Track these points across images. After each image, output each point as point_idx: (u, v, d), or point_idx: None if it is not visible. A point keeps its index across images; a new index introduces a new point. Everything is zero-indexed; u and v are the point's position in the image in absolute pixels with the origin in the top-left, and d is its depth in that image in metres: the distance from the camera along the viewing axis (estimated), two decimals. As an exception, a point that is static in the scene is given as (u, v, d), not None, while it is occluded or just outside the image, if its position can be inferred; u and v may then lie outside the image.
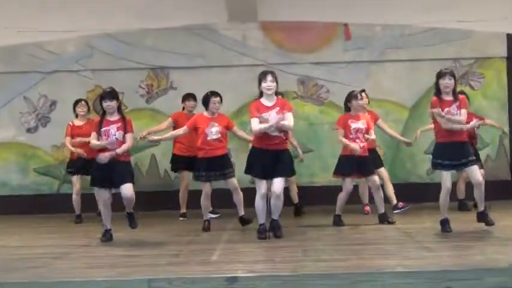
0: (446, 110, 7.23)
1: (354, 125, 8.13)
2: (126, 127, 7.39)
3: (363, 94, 8.72)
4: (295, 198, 9.47)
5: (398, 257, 6.08)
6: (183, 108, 9.57)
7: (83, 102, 9.64)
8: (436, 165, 7.35)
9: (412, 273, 5.32)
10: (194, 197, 9.80)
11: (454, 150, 7.23)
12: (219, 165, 8.06)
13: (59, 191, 10.71)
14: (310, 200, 9.78)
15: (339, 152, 10.49)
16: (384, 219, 8.20)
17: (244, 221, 8.21)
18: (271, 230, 7.34)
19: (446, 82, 7.25)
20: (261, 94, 7.32)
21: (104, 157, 7.29)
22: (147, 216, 9.14)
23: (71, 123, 9.54)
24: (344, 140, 8.10)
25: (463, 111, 7.30)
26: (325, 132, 10.52)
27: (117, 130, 7.36)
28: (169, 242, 7.42)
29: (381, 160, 9.20)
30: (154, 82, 10.80)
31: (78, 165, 9.38)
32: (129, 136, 7.42)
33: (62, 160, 10.54)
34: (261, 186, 7.29)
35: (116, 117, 7.43)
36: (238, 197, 8.18)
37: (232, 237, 7.66)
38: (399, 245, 6.72)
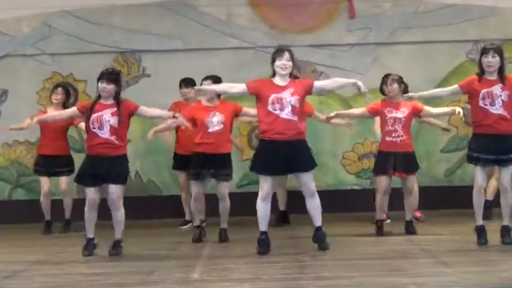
0: (484, 91, 7.20)
1: (391, 114, 8.18)
2: (122, 111, 7.28)
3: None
4: (283, 204, 9.47)
5: (411, 274, 6.09)
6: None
7: (59, 89, 9.55)
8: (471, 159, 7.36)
9: (427, 293, 5.35)
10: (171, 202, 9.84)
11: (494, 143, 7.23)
12: (216, 164, 8.05)
13: (11, 197, 10.65)
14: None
15: (341, 150, 10.56)
16: (408, 228, 8.26)
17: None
18: (315, 241, 7.32)
19: (489, 60, 7.23)
20: (274, 74, 7.30)
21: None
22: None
23: (43, 109, 9.49)
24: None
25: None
26: (326, 127, 10.52)
27: (112, 115, 7.31)
28: (142, 256, 7.40)
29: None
30: (124, 68, 10.76)
31: (48, 163, 9.35)
32: (144, 108, 7.43)
33: (14, 160, 10.51)
34: (265, 185, 7.22)
35: (111, 101, 7.38)
36: (225, 207, 8.19)
37: (216, 251, 7.66)
38: (412, 260, 6.73)
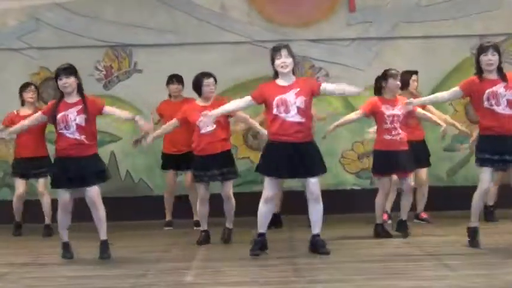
0: (488, 91, 7.18)
1: (389, 111, 8.15)
2: (88, 108, 7.26)
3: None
4: (277, 206, 9.44)
5: (413, 277, 6.09)
6: (169, 96, 9.60)
7: (32, 87, 9.56)
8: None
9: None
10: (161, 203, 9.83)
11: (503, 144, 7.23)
12: (218, 164, 8.06)
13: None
14: (301, 208, 9.76)
15: (338, 149, 10.53)
16: (401, 228, 8.25)
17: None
18: (314, 249, 7.28)
19: (489, 58, 7.23)
20: (276, 74, 7.27)
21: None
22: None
23: (15, 112, 9.47)
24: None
25: None
26: (324, 125, 10.50)
27: (78, 114, 7.27)
28: (133, 259, 7.40)
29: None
30: (114, 63, 10.76)
31: (24, 166, 9.36)
32: (110, 108, 7.47)
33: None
34: (269, 187, 7.20)
35: (75, 98, 7.35)
36: (231, 207, 8.22)
37: (210, 254, 7.66)
38: (415, 263, 6.74)
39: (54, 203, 9.12)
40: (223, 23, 10.69)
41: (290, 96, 7.13)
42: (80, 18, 10.62)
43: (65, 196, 7.33)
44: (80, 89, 7.37)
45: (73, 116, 7.26)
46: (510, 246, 7.32)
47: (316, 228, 7.30)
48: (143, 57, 10.69)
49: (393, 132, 8.13)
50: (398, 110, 8.13)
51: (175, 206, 9.72)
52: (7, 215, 9.59)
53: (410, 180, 8.29)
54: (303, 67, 10.74)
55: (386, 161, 8.16)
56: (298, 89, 7.16)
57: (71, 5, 10.53)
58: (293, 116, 7.12)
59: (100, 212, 7.39)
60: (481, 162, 7.31)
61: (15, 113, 9.47)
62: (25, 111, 9.40)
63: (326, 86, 7.33)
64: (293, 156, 7.13)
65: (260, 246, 7.26)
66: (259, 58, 10.26)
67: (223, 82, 10.06)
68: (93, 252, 7.62)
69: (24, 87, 9.57)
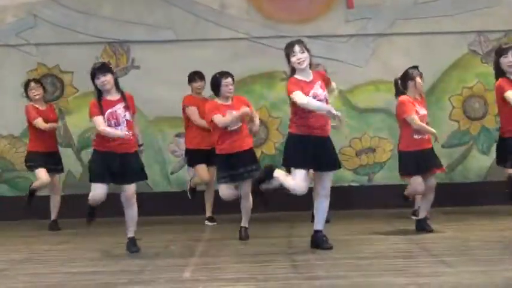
0: None
1: (421, 111, 8.10)
2: (129, 104, 7.32)
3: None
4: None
5: (410, 274, 6.10)
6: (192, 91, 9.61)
7: (31, 84, 9.47)
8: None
9: (427, 293, 5.37)
10: (164, 199, 9.85)
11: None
12: (243, 162, 8.00)
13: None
14: (302, 205, 9.79)
15: (336, 146, 10.52)
16: (422, 226, 8.22)
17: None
18: (316, 245, 7.29)
19: (510, 60, 7.26)
20: (293, 70, 7.23)
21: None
22: (104, 223, 9.10)
23: (32, 105, 9.42)
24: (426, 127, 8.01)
25: None
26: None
27: (125, 110, 7.30)
28: (132, 255, 7.41)
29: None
30: (112, 59, 10.75)
31: (42, 159, 9.31)
32: (136, 117, 7.47)
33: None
34: (300, 176, 7.08)
35: (117, 95, 7.36)
36: (249, 205, 8.15)
37: (208, 250, 7.67)
38: (412, 259, 6.76)
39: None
40: (221, 19, 10.68)
41: (318, 90, 7.15)
42: (78, 14, 10.62)
43: (102, 191, 7.30)
44: (117, 85, 7.39)
45: (122, 112, 7.29)
46: (507, 243, 7.33)
47: (320, 224, 7.31)
48: (141, 54, 10.68)
49: (422, 131, 8.07)
50: (424, 110, 8.11)
51: (177, 203, 9.71)
52: (5, 211, 9.60)
53: (435, 177, 8.25)
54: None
55: (418, 161, 8.05)
56: (319, 82, 7.19)
57: (69, 1, 10.52)
58: None
59: (134, 211, 7.45)
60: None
61: (32, 105, 9.37)
62: (40, 106, 9.38)
63: (333, 84, 7.38)
64: (315, 149, 7.10)
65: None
66: (257, 54, 10.29)
67: (222, 79, 10.09)
68: (92, 248, 7.65)
69: (27, 84, 9.52)
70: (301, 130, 7.16)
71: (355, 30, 10.74)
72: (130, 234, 7.53)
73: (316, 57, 10.61)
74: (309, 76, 7.20)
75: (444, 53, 10.56)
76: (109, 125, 7.25)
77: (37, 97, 9.42)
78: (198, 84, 9.51)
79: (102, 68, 7.37)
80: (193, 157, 9.48)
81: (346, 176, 10.66)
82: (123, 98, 7.35)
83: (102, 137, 7.31)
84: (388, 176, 10.27)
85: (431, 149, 8.14)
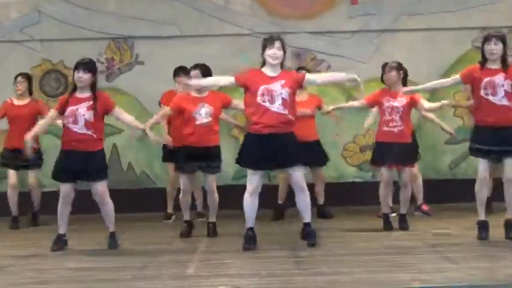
0: (486, 80, 7.17)
1: (388, 103, 8.19)
2: (98, 106, 7.28)
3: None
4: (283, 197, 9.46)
5: (414, 270, 6.08)
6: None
7: (19, 78, 9.53)
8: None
9: (431, 289, 5.36)
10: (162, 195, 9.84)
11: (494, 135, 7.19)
12: (205, 157, 8.02)
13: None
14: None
15: (340, 142, 10.54)
16: (400, 222, 8.26)
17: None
18: (305, 238, 7.31)
19: (492, 48, 7.21)
20: (264, 63, 7.26)
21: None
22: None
23: (9, 100, 9.48)
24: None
25: None
26: (325, 117, 10.51)
27: (87, 110, 7.29)
28: (135, 251, 7.41)
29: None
30: (116, 55, 10.76)
31: (13, 156, 9.31)
32: (120, 111, 7.45)
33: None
34: (253, 179, 7.19)
35: (86, 94, 7.37)
36: (214, 200, 8.21)
37: (212, 246, 7.67)
38: (415, 255, 6.74)
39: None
40: (225, 15, 10.68)
41: (276, 87, 7.11)
42: (82, 10, 10.62)
43: (66, 188, 7.35)
44: (93, 86, 7.38)
45: (82, 111, 7.28)
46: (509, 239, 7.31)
47: (306, 217, 7.30)
48: (145, 50, 10.69)
49: (391, 124, 8.15)
50: (398, 102, 8.13)
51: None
52: (6, 207, 9.59)
53: (407, 174, 8.26)
54: (305, 59, 10.75)
55: (381, 152, 8.20)
56: (283, 81, 7.14)
57: (73, -3, 10.55)
58: (278, 107, 7.08)
59: (108, 207, 7.47)
60: (474, 152, 7.33)
61: (9, 101, 9.47)
62: (18, 101, 9.42)
63: (309, 77, 7.39)
64: (275, 147, 7.07)
65: (252, 240, 7.22)
66: (260, 50, 10.25)
67: (225, 74, 10.03)
68: (95, 243, 7.65)
69: (15, 78, 9.55)
70: (256, 128, 7.15)
71: (358, 26, 10.73)
72: (111, 230, 7.54)
73: (319, 53, 10.73)
74: (276, 72, 7.18)
75: (448, 49, 10.54)
76: (67, 122, 7.29)
77: (19, 92, 9.44)
78: (181, 79, 9.47)
79: (85, 65, 7.38)
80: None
81: (350, 172, 10.65)
82: (93, 98, 7.32)
83: (65, 135, 7.36)
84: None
85: (405, 144, 8.14)
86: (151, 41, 10.66)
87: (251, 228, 7.27)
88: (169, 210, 9.64)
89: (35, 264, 6.90)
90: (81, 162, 7.26)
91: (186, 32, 10.63)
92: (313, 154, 8.91)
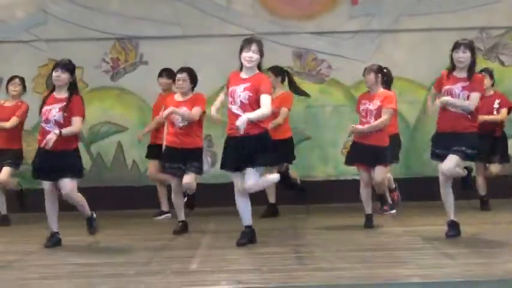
0: (445, 88, 7.16)
1: (364, 106, 8.21)
2: (70, 109, 7.26)
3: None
4: (272, 196, 9.40)
5: (413, 266, 6.11)
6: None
7: (16, 79, 9.48)
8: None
9: (429, 284, 5.35)
10: (170, 192, 9.83)
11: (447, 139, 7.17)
12: (186, 158, 8.01)
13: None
14: (307, 197, 9.81)
15: (340, 140, 10.55)
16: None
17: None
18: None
19: (459, 56, 7.18)
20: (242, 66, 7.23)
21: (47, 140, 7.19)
22: (111, 215, 9.14)
23: (2, 102, 9.44)
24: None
25: (474, 95, 7.08)
26: (327, 116, 10.53)
27: (59, 111, 7.27)
28: (138, 247, 7.41)
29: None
30: (121, 55, 10.77)
31: None
32: (76, 120, 7.32)
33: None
34: (234, 180, 7.20)
35: (63, 94, 7.37)
36: (190, 187, 8.16)
37: (214, 242, 7.69)
38: (415, 251, 6.76)
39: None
40: (227, 15, 10.68)
41: (239, 89, 7.09)
42: (88, 11, 10.62)
43: (46, 186, 7.39)
44: (71, 88, 7.38)
45: (54, 112, 7.28)
46: (508, 236, 7.32)
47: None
48: (149, 50, 10.69)
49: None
50: (372, 105, 8.12)
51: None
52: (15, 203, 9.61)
53: (375, 175, 8.21)
54: (306, 59, 10.75)
55: (354, 152, 8.29)
56: (248, 84, 7.08)
57: (79, -2, 10.56)
58: (237, 109, 7.07)
59: (77, 201, 7.42)
60: (433, 156, 7.39)
61: (1, 103, 9.43)
62: (9, 103, 9.40)
63: (262, 99, 7.05)
64: (236, 149, 7.07)
65: (247, 237, 7.21)
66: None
67: (227, 73, 10.05)
68: (99, 239, 7.67)
69: (10, 79, 9.53)
70: (227, 130, 7.20)
71: (359, 26, 10.72)
72: (87, 215, 7.54)
73: (320, 53, 10.73)
74: (247, 75, 7.14)
75: (448, 49, 10.44)
76: (42, 121, 7.33)
77: (13, 93, 9.40)
78: (163, 80, 9.45)
79: (64, 65, 7.39)
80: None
81: (349, 169, 10.61)
82: (68, 99, 7.31)
83: (40, 134, 7.38)
84: (391, 169, 10.24)
85: (377, 146, 8.11)
86: (155, 41, 10.65)
87: (247, 226, 7.27)
88: (164, 208, 9.55)
89: (40, 260, 6.93)
90: (53, 160, 7.23)
91: (188, 32, 10.63)
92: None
